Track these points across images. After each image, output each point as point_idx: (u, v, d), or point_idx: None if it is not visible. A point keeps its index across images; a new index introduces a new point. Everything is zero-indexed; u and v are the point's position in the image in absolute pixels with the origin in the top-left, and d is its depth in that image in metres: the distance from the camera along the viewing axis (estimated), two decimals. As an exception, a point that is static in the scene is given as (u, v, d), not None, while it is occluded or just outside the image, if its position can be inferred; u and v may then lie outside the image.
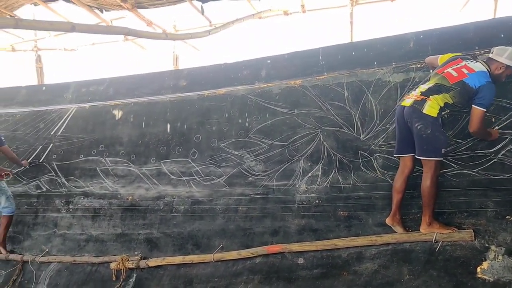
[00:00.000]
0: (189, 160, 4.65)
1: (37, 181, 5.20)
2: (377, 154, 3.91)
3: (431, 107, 3.20)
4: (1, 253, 4.80)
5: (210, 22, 5.95)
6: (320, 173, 4.09)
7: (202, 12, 5.58)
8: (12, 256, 4.78)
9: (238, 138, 4.53)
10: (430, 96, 3.24)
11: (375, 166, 3.89)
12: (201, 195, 4.50)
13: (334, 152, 4.08)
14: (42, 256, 4.69)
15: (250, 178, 4.37)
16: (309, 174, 4.13)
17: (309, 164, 4.16)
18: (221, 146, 4.56)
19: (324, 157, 4.11)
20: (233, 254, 4.03)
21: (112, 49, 7.34)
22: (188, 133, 4.77)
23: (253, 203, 4.28)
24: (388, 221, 3.54)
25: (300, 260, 3.78)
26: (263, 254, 3.93)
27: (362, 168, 3.93)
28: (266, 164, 4.34)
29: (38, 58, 7.05)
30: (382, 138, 3.91)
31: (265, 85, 4.60)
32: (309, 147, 4.19)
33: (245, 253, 3.99)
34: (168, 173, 4.70)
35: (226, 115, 4.65)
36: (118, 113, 5.16)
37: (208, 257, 4.09)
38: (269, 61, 4.74)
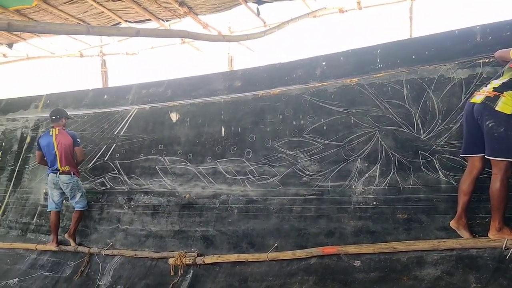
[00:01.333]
0: (244, 160, 4.71)
1: (102, 178, 5.52)
2: (439, 155, 3.72)
3: (505, 104, 2.98)
4: (71, 245, 5.15)
5: (265, 23, 5.99)
6: (377, 174, 3.96)
7: (258, 14, 5.63)
8: (80, 248, 5.11)
9: (292, 138, 4.51)
10: (504, 92, 3.02)
11: (437, 167, 3.70)
12: (255, 194, 4.54)
13: (393, 152, 3.93)
14: (107, 249, 4.97)
15: (305, 178, 4.34)
16: (366, 175, 4.02)
17: (366, 164, 4.05)
18: (275, 146, 4.57)
19: (382, 157, 3.98)
20: (287, 254, 4.02)
21: (170, 52, 7.63)
22: (243, 133, 4.83)
23: (308, 203, 4.24)
24: (452, 224, 3.35)
25: (357, 263, 3.68)
26: (318, 255, 3.88)
27: (423, 169, 3.76)
28: (321, 164, 4.29)
29: (103, 63, 7.51)
30: (445, 138, 3.72)
31: (320, 84, 4.54)
32: (366, 147, 4.08)
33: (299, 253, 3.96)
34: (224, 172, 4.79)
35: (280, 115, 4.66)
36: (175, 114, 5.35)
37: (262, 256, 4.11)
38: (324, 60, 4.68)
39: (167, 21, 5.73)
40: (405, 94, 4.00)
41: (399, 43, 4.40)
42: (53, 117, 5.27)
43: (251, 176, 4.62)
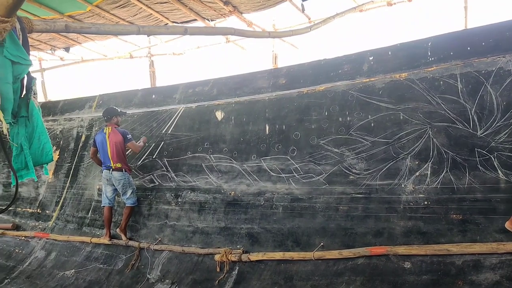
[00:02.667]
0: (288, 158, 4.68)
1: (151, 175, 5.70)
2: (498, 152, 3.49)
3: None
4: (122, 239, 5.37)
5: (310, 19, 5.90)
6: (429, 172, 3.79)
7: (303, 10, 5.55)
8: (130, 243, 5.31)
9: (338, 135, 4.43)
10: None
11: (496, 165, 3.48)
12: (300, 193, 4.50)
13: (446, 150, 3.75)
14: (155, 244, 5.12)
15: (351, 177, 4.24)
16: (417, 173, 3.86)
17: (417, 162, 3.88)
18: (321, 144, 4.51)
19: (434, 155, 3.80)
20: (334, 254, 3.95)
21: (215, 51, 7.73)
22: (287, 130, 4.81)
23: (355, 202, 4.14)
24: (508, 225, 3.13)
25: (407, 264, 3.55)
26: (365, 255, 3.78)
27: (480, 167, 3.55)
28: (368, 162, 4.17)
29: (151, 64, 7.75)
30: (505, 134, 3.48)
31: (367, 80, 4.42)
32: (417, 144, 3.91)
33: (346, 253, 3.88)
34: (268, 170, 4.79)
35: (326, 112, 4.58)
36: (221, 113, 5.42)
37: (308, 255, 4.06)
38: (371, 55, 4.54)
39: (212, 20, 5.80)
40: (459, 88, 3.79)
41: (453, 35, 4.18)
42: (105, 117, 5.51)
43: (296, 174, 4.58)
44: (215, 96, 5.61)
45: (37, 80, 2.27)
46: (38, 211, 6.60)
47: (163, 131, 5.79)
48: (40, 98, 8.96)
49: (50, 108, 7.47)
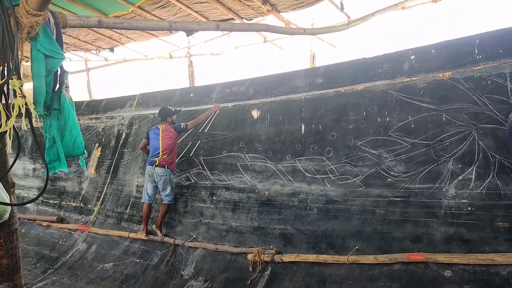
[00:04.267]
0: (324, 158, 4.60)
1: (187, 173, 5.79)
2: (551, 157, 3.25)
3: None
4: (158, 235, 5.48)
5: (349, 18, 5.77)
6: (473, 177, 3.59)
7: (342, 9, 5.44)
8: (166, 239, 5.41)
9: (376, 136, 4.29)
10: None
11: (549, 171, 3.24)
12: (335, 194, 4.40)
13: (493, 153, 3.53)
14: (190, 241, 5.19)
15: (389, 179, 4.09)
16: (460, 178, 3.66)
17: (460, 166, 3.69)
18: (358, 145, 4.39)
19: (479, 159, 3.60)
20: (369, 258, 3.82)
21: (253, 51, 7.74)
22: (323, 131, 4.72)
23: (393, 206, 4.00)
24: None
25: (447, 273, 3.37)
26: (402, 261, 3.63)
27: (530, 172, 3.32)
28: (407, 165, 4.01)
29: (190, 64, 7.90)
30: (559, 138, 3.23)
31: (408, 79, 4.26)
32: (460, 146, 3.72)
33: (382, 258, 3.75)
34: (303, 171, 4.72)
35: (364, 112, 4.46)
36: (257, 112, 5.41)
37: (342, 258, 3.97)
38: (413, 53, 4.37)
39: (250, 20, 5.81)
40: (509, 88, 3.56)
41: (503, 32, 3.93)
42: (160, 118, 5.67)
43: (331, 176, 4.49)
44: (251, 96, 5.61)
45: (69, 74, 2.33)
46: (81, 205, 6.88)
47: (199, 130, 5.86)
48: (85, 97, 9.37)
49: (93, 107, 7.77)
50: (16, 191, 6.78)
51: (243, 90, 5.76)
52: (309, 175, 4.67)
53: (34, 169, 7.88)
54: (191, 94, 6.38)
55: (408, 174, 3.98)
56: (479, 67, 3.81)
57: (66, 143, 2.22)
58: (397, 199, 3.98)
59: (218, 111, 5.80)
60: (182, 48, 7.80)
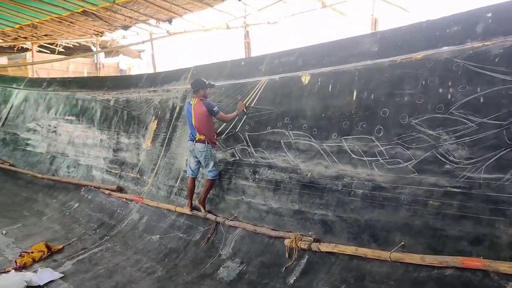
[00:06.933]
0: (373, 138, 4.02)
1: (233, 149, 5.56)
2: None
3: None
4: (201, 211, 5.39)
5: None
6: (557, 169, 2.81)
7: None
8: (209, 216, 5.29)
9: (435, 114, 3.61)
10: None
11: None
12: (383, 180, 3.84)
13: None
14: (230, 220, 5.01)
15: (448, 166, 3.42)
16: (539, 169, 2.90)
17: (540, 154, 2.92)
18: (413, 123, 3.74)
19: None
20: (415, 258, 3.27)
21: (311, 18, 7.12)
22: (374, 106, 4.12)
23: (449, 198, 3.35)
24: None
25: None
26: (456, 266, 3.04)
27: None
28: (472, 150, 3.31)
29: (246, 34, 7.55)
30: None
31: (480, 44, 3.47)
32: (542, 129, 2.93)
33: (431, 259, 3.17)
34: (349, 151, 4.20)
35: (422, 85, 3.77)
36: (303, 85, 4.93)
37: (384, 254, 3.46)
38: (489, 11, 3.54)
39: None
40: None
41: None
42: (193, 89, 5.50)
43: (380, 158, 3.92)
44: (299, 67, 5.13)
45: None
46: (137, 176, 7.08)
47: (246, 104, 5.55)
48: (150, 69, 9.57)
49: (152, 80, 7.85)
50: (85, 160, 7.12)
51: (292, 61, 5.28)
52: (355, 156, 4.14)
53: (101, 140, 8.28)
54: (241, 67, 6.06)
55: (472, 160, 3.28)
56: None
57: None
58: (455, 190, 3.32)
59: (245, 110, 5.46)
60: (238, 18, 7.45)
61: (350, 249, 3.71)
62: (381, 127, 3.99)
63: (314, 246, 3.99)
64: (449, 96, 3.53)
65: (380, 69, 4.19)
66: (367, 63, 4.34)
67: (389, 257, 3.39)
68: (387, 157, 3.86)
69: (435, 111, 3.60)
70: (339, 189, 4.18)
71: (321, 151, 4.46)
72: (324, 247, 3.92)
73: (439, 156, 3.49)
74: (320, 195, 4.32)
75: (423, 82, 3.76)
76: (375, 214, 3.79)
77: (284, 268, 4.10)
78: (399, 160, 3.76)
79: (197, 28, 8.14)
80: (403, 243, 3.46)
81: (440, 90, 3.61)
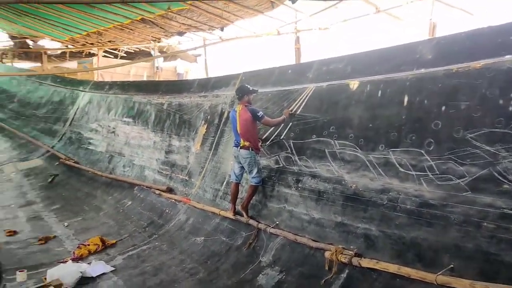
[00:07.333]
0: (423, 152, 3.79)
1: (277, 156, 5.52)
2: None
3: None
4: (244, 217, 5.41)
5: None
6: None
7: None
8: (251, 222, 5.30)
9: (494, 129, 3.33)
10: None
11: None
12: (432, 197, 3.61)
13: None
14: (272, 227, 4.98)
15: (506, 186, 3.15)
16: None
17: None
18: (467, 138, 3.48)
19: None
20: (464, 283, 3.03)
21: (364, 24, 6.90)
22: (426, 118, 3.89)
23: (507, 221, 3.07)
24: None
25: None
26: (509, 296, 2.77)
27: None
28: (534, 169, 3.01)
29: (297, 40, 7.49)
30: None
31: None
32: None
33: (481, 286, 2.93)
34: (396, 164, 4.00)
35: (480, 97, 3.51)
36: (351, 93, 4.78)
37: (429, 276, 3.24)
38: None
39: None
40: None
41: None
42: (237, 96, 5.55)
43: (429, 173, 3.69)
44: (348, 75, 4.98)
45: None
46: (186, 178, 7.27)
47: (292, 111, 5.50)
48: (202, 75, 9.81)
49: (203, 85, 8.04)
50: (139, 161, 7.45)
51: (340, 68, 5.15)
52: (402, 170, 3.93)
53: (154, 142, 8.62)
54: (288, 73, 6.01)
55: (534, 181, 2.99)
56: None
57: None
58: (513, 212, 3.04)
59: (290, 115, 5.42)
60: (289, 24, 7.41)
61: (392, 267, 3.53)
62: (432, 140, 3.75)
63: (355, 261, 3.84)
64: (511, 109, 3.25)
65: (433, 78, 3.95)
66: (420, 71, 4.11)
67: (435, 280, 3.17)
68: (437, 172, 3.63)
69: (493, 125, 3.32)
70: (384, 203, 3.99)
71: (367, 163, 4.30)
72: (366, 262, 3.77)
73: (496, 175, 3.21)
74: (364, 208, 4.16)
75: (482, 93, 3.49)
76: (422, 232, 3.57)
77: (323, 280, 3.99)
78: (451, 176, 3.51)
79: (248, 34, 8.23)
80: (451, 266, 3.22)
81: (501, 102, 3.33)
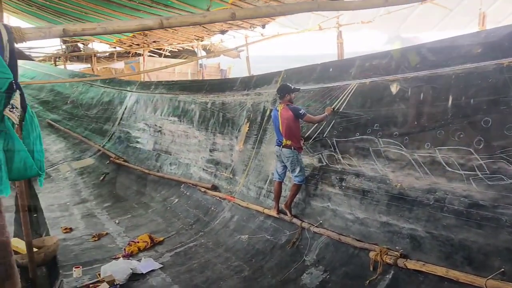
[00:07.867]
0: (472, 150, 3.66)
1: (320, 155, 5.52)
2: None
3: None
4: (287, 215, 5.47)
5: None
6: None
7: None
8: (294, 220, 5.35)
9: (550, 126, 3.15)
10: None
11: None
12: (482, 197, 3.48)
13: None
14: (315, 226, 5.00)
15: None
16: None
17: None
18: (520, 136, 3.32)
19: None
20: (516, 288, 2.92)
21: (408, 15, 6.65)
22: (474, 115, 3.74)
23: None
24: None
25: None
26: None
27: None
28: None
29: (339, 34, 7.38)
30: None
31: None
32: None
33: (536, 292, 2.80)
34: (443, 163, 3.88)
35: (534, 92, 3.32)
36: (395, 90, 4.68)
37: (479, 280, 3.15)
38: None
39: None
40: None
41: None
42: (279, 95, 5.59)
43: (479, 173, 3.55)
44: (392, 70, 4.87)
45: (18, 93, 2.03)
46: (230, 176, 7.43)
47: (334, 109, 5.46)
48: (244, 73, 9.92)
49: (245, 83, 8.13)
50: (185, 159, 7.61)
51: (384, 64, 5.04)
52: (450, 169, 3.81)
53: (199, 140, 8.86)
54: (330, 70, 5.96)
55: None
56: None
57: (17, 165, 2.14)
58: None
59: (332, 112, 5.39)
60: (331, 18, 7.31)
61: (440, 270, 3.45)
62: (482, 138, 3.61)
63: (401, 262, 3.79)
64: None
65: (482, 73, 3.78)
66: (467, 66, 3.95)
67: (485, 284, 3.07)
68: (487, 172, 3.49)
69: (549, 122, 3.15)
70: (431, 203, 3.89)
71: (412, 161, 4.20)
72: (411, 264, 3.71)
73: (552, 175, 3.05)
74: (410, 208, 4.08)
75: (535, 89, 3.31)
76: (471, 234, 3.46)
77: (368, 281, 3.97)
78: (502, 176, 3.37)
79: (289, 31, 8.22)
80: (503, 269, 3.11)
81: (557, 98, 3.14)
